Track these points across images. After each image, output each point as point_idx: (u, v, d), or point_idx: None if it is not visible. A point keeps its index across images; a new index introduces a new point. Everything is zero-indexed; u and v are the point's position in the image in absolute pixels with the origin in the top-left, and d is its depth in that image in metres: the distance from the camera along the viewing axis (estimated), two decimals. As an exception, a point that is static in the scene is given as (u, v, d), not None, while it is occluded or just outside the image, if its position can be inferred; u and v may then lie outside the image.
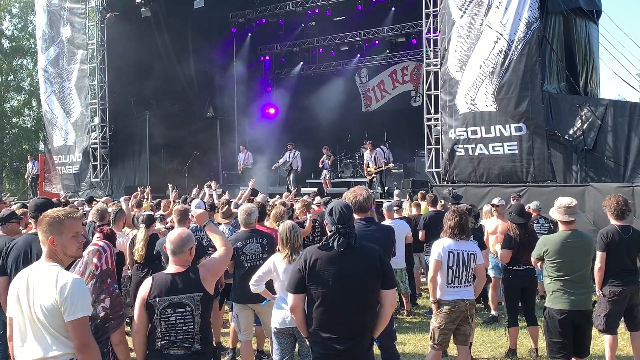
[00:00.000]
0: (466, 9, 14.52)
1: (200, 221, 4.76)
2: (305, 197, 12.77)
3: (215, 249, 4.63)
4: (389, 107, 25.47)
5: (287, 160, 19.35)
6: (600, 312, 6.77)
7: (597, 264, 6.68)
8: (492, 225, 9.86)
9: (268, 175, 21.44)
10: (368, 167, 17.48)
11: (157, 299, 4.21)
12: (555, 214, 6.07)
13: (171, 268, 4.33)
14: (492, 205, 10.30)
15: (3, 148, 37.87)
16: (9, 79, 38.03)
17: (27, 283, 3.59)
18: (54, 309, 3.49)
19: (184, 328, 4.19)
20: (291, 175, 19.20)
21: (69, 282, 3.54)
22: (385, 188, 17.30)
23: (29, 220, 6.33)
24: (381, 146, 18.53)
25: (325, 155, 19.75)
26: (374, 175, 17.30)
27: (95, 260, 4.42)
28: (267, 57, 26.73)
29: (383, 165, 17.22)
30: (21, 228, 6.85)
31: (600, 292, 6.75)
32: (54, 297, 3.49)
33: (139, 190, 14.11)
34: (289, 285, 4.27)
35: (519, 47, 13.78)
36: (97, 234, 5.66)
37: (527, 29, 13.69)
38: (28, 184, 22.04)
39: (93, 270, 4.39)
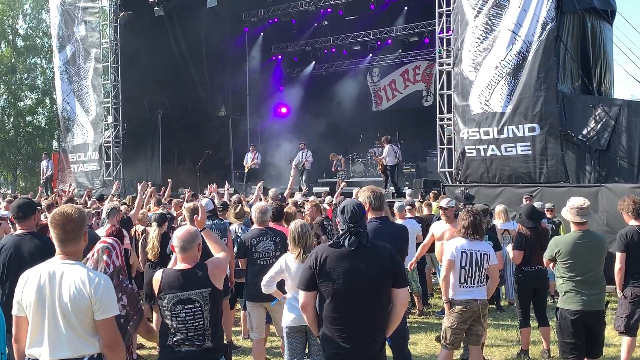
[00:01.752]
0: (481, 9, 14.44)
1: (199, 225, 4.73)
2: (313, 198, 12.76)
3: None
4: (400, 107, 25.46)
5: (300, 160, 19.38)
6: (621, 313, 6.70)
7: (617, 265, 6.62)
8: (440, 229, 8.66)
9: (279, 174, 21.47)
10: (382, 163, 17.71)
11: (166, 295, 4.25)
12: (567, 214, 6.04)
13: (179, 265, 4.36)
14: (440, 207, 8.93)
15: (17, 146, 38.15)
16: (23, 77, 38.29)
17: (52, 280, 3.52)
18: (87, 307, 3.49)
19: (194, 324, 4.23)
20: (303, 175, 19.24)
21: (101, 281, 3.56)
22: (398, 187, 17.28)
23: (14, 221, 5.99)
24: (391, 144, 18.59)
25: (335, 160, 19.86)
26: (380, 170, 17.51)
27: (105, 257, 4.43)
28: (280, 56, 26.77)
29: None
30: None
31: (622, 294, 6.69)
32: (88, 295, 3.48)
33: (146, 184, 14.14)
34: (299, 282, 4.27)
35: (534, 47, 13.72)
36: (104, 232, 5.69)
37: (542, 29, 13.62)
38: (42, 182, 22.14)
39: (104, 268, 4.40)
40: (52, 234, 3.68)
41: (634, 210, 6.66)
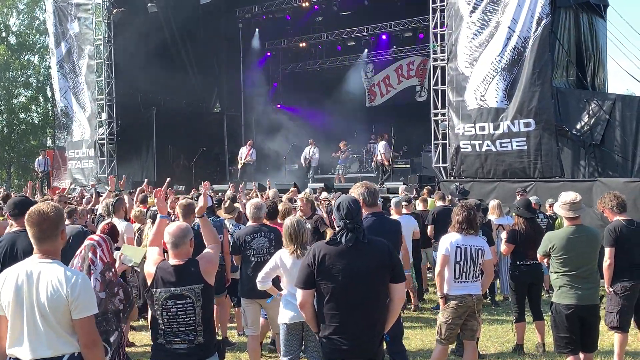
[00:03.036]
0: (477, 4, 14.46)
1: (201, 211, 4.92)
2: (305, 193, 12.66)
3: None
4: (394, 102, 25.46)
5: (307, 157, 19.58)
6: (612, 309, 6.71)
7: (607, 261, 6.63)
8: None
9: (274, 171, 21.46)
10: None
11: (158, 290, 4.26)
12: (560, 210, 6.08)
13: (172, 261, 4.35)
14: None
15: (11, 144, 38.00)
16: (17, 75, 38.12)
17: (30, 280, 3.49)
18: (64, 307, 3.46)
19: (185, 319, 4.23)
20: (310, 171, 19.55)
21: (79, 279, 3.52)
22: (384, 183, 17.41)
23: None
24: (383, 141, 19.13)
25: (342, 150, 20.07)
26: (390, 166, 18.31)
27: (90, 255, 4.41)
28: (274, 52, 26.73)
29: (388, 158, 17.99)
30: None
31: (611, 289, 6.69)
32: (65, 294, 3.45)
33: (144, 185, 14.14)
34: (298, 280, 4.26)
35: (530, 43, 13.74)
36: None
37: (537, 25, 13.64)
38: (38, 179, 22.06)
39: (90, 266, 4.39)
40: (29, 233, 3.62)
41: (617, 205, 6.68)
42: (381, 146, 18.27)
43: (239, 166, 20.67)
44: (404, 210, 10.15)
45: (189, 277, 4.26)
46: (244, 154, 20.62)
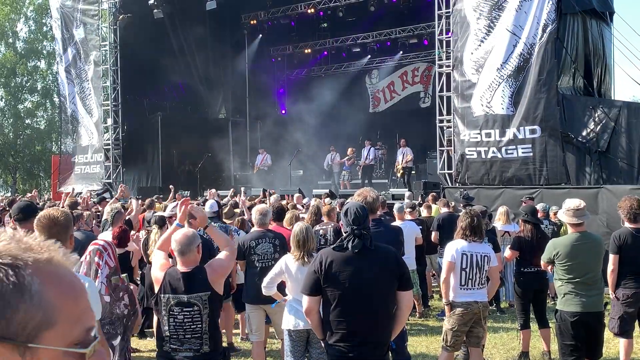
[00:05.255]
0: (482, 11, 14.44)
1: (202, 223, 4.79)
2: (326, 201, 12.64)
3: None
4: (398, 108, 25.45)
5: (329, 162, 20.32)
6: (614, 315, 6.73)
7: (610, 267, 6.64)
8: None
9: (278, 177, 21.49)
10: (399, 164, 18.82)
11: (165, 295, 4.25)
12: (564, 216, 6.07)
13: (180, 268, 4.35)
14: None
15: (17, 149, 38.11)
16: (23, 80, 38.26)
17: None
18: None
19: (192, 327, 4.22)
20: (333, 177, 20.16)
21: (85, 285, 3.53)
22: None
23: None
24: (374, 146, 19.83)
25: (349, 157, 20.28)
26: (401, 172, 18.53)
27: (97, 259, 4.43)
28: (279, 58, 26.78)
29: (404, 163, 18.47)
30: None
31: (614, 295, 6.71)
32: None
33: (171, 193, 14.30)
34: (304, 287, 4.24)
35: (535, 49, 13.72)
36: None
37: (543, 31, 13.63)
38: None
39: (97, 270, 4.40)
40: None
41: (630, 214, 6.67)
42: (408, 151, 18.76)
43: (254, 171, 21.46)
44: (408, 217, 10.12)
45: (197, 285, 4.25)
46: (260, 160, 21.35)
